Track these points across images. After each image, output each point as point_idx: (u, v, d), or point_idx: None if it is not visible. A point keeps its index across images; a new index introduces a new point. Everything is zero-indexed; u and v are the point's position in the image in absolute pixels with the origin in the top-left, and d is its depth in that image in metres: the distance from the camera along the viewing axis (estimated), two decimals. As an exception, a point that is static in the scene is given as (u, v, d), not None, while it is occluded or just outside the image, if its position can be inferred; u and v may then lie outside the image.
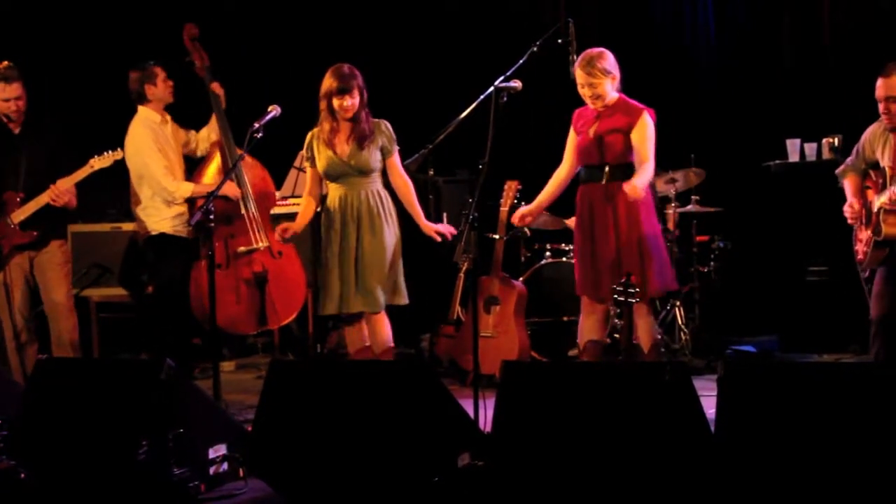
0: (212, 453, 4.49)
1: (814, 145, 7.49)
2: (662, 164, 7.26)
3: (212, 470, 4.47)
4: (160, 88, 6.57)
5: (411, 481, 3.98)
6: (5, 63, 6.18)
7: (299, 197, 7.10)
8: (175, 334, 6.72)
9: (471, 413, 4.59)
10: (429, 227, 5.74)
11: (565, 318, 6.90)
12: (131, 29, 8.42)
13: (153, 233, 6.55)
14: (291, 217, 6.39)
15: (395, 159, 5.72)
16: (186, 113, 6.85)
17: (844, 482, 3.46)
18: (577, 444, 3.80)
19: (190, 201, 6.51)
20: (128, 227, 7.15)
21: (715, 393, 3.69)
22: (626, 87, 7.97)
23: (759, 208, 7.84)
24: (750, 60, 8.28)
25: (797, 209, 7.46)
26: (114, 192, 6.86)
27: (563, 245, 7.12)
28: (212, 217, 5.42)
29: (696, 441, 3.65)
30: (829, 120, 7.34)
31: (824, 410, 3.54)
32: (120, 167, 6.35)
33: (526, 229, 6.79)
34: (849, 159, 5.55)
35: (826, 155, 7.35)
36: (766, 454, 3.57)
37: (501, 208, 6.72)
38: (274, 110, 5.64)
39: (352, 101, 5.54)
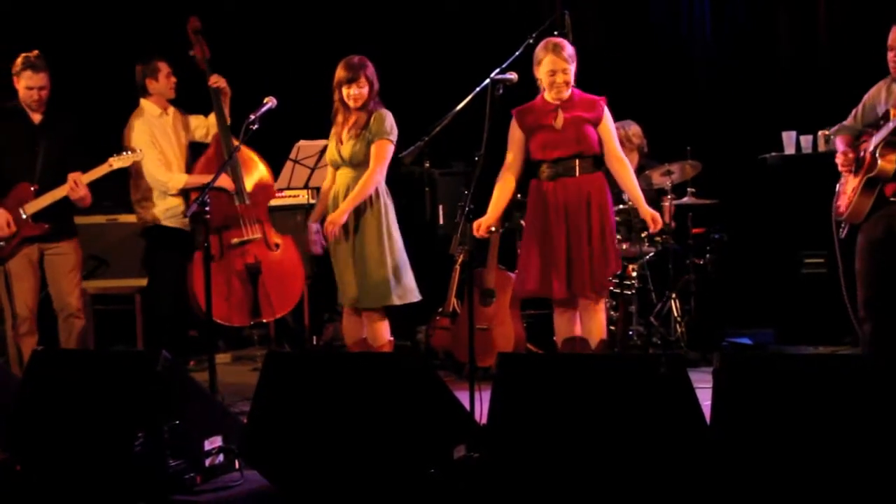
0: (208, 445, 4.48)
1: (809, 137, 7.51)
2: (659, 156, 7.28)
3: (208, 462, 4.46)
4: (161, 83, 6.62)
5: (407, 473, 3.98)
6: (35, 52, 6.21)
7: (295, 189, 7.12)
8: (171, 326, 6.73)
9: (467, 405, 4.59)
10: (335, 216, 5.60)
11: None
12: (148, 24, 8.44)
13: (149, 224, 6.57)
14: (288, 209, 6.43)
15: (376, 147, 5.60)
16: (192, 107, 6.89)
17: (840, 475, 3.47)
18: (572, 437, 3.79)
19: (185, 194, 6.53)
20: (124, 218, 7.16)
21: (711, 385, 3.69)
22: (624, 79, 8.02)
23: (755, 200, 7.84)
24: (746, 53, 8.28)
25: (793, 201, 7.46)
26: (110, 183, 6.83)
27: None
28: (207, 209, 5.42)
29: (692, 433, 3.65)
30: (825, 112, 7.34)
31: (820, 402, 3.55)
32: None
33: (522, 222, 6.79)
34: (844, 122, 5.54)
35: (821, 147, 7.36)
36: (761, 446, 3.57)
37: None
38: (270, 102, 5.64)
39: (359, 91, 5.55)
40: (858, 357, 5.27)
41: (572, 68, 5.44)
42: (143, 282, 7.19)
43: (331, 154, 5.72)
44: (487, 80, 5.29)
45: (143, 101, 6.65)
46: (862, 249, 5.33)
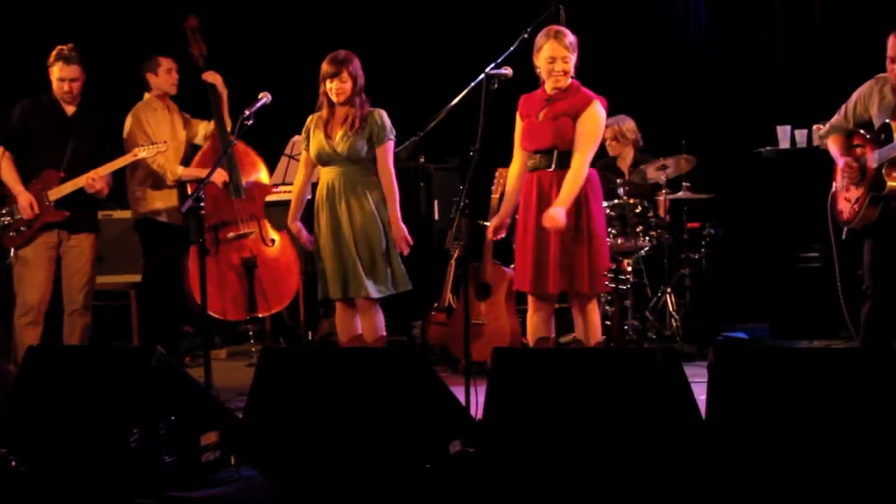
0: (203, 441, 4.48)
1: (804, 132, 7.51)
2: (654, 151, 7.29)
3: (203, 457, 4.46)
4: (161, 78, 6.79)
5: (402, 468, 3.98)
6: (69, 45, 6.32)
7: (290, 184, 7.12)
8: (165, 322, 6.75)
9: (462, 400, 4.60)
10: (397, 230, 5.63)
11: (557, 305, 6.90)
12: (149, 22, 8.44)
13: (140, 216, 6.62)
14: (283, 205, 6.40)
15: (383, 151, 5.62)
16: (192, 105, 6.99)
17: (835, 468, 3.47)
18: (568, 431, 3.80)
19: (180, 188, 6.55)
20: (119, 214, 7.17)
21: (706, 379, 3.69)
22: (619, 74, 8.01)
23: (750, 195, 7.85)
24: (741, 47, 8.28)
25: (788, 196, 7.47)
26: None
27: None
28: (202, 204, 5.43)
29: (687, 427, 3.66)
30: (820, 106, 7.34)
31: (814, 396, 3.55)
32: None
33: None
34: (833, 119, 5.53)
35: (816, 141, 7.33)
36: (756, 440, 3.57)
37: (493, 195, 6.70)
38: (265, 97, 5.64)
39: (341, 85, 5.54)
40: (853, 351, 5.28)
41: (573, 58, 5.30)
42: (138, 277, 7.20)
43: (319, 148, 5.66)
44: (482, 76, 5.28)
45: (145, 96, 6.83)
46: (873, 248, 5.34)
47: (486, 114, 5.15)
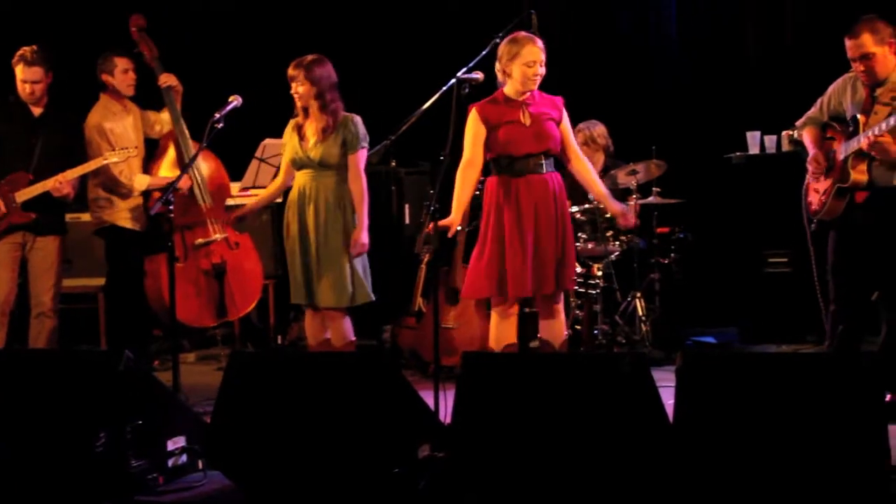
0: (171, 445, 4.47)
1: (773, 138, 7.55)
2: (624, 156, 7.31)
3: (170, 462, 4.45)
4: (117, 79, 6.64)
5: (371, 473, 3.98)
6: (33, 46, 6.26)
7: (260, 188, 7.11)
8: (132, 326, 6.70)
9: (432, 404, 4.59)
10: (358, 234, 5.57)
11: (527, 310, 6.91)
12: (102, 21, 8.37)
13: (104, 225, 6.56)
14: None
15: (355, 158, 5.59)
16: (145, 104, 6.87)
17: (801, 470, 3.50)
18: (536, 435, 3.81)
19: (145, 194, 6.51)
20: (87, 217, 7.11)
21: (675, 383, 3.71)
22: (590, 79, 8.04)
23: (720, 200, 7.88)
24: (711, 53, 8.32)
25: (757, 201, 7.51)
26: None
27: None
28: (171, 209, 5.41)
29: (655, 431, 3.67)
30: (789, 113, 7.38)
31: (780, 400, 3.58)
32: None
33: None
34: (809, 112, 5.58)
35: (785, 147, 7.40)
36: (723, 443, 3.60)
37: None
38: (235, 100, 5.63)
39: (296, 90, 5.54)
40: (818, 355, 5.32)
41: (545, 64, 5.41)
42: (101, 281, 7.15)
43: (293, 153, 5.66)
44: (453, 80, 5.29)
45: (102, 97, 6.67)
46: (834, 246, 5.37)
47: (456, 118, 5.16)
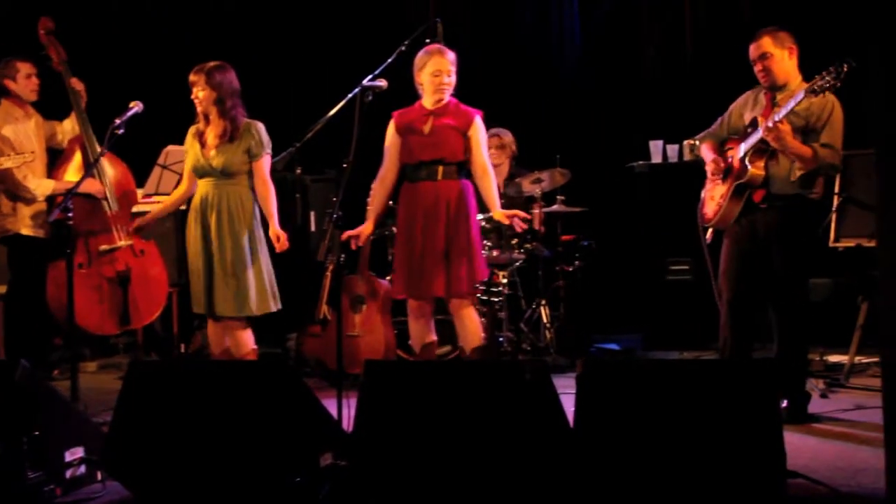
0: (68, 456, 4.39)
1: (675, 147, 7.68)
2: (529, 164, 7.37)
3: (68, 473, 4.37)
4: (20, 84, 6.51)
5: (273, 482, 3.96)
6: None
7: (163, 195, 7.03)
8: (33, 335, 6.58)
9: (335, 413, 4.58)
10: (274, 231, 5.58)
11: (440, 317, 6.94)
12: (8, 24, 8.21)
13: (8, 234, 6.43)
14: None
15: (261, 164, 5.59)
16: (49, 108, 6.73)
17: (698, 474, 3.56)
18: (438, 443, 3.82)
19: (50, 200, 6.39)
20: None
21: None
22: (495, 88, 8.08)
23: (623, 208, 7.99)
24: (615, 63, 8.43)
25: (659, 209, 7.63)
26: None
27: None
28: (70, 215, 5.32)
29: (555, 437, 3.71)
30: (691, 122, 7.51)
31: (677, 406, 3.64)
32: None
33: (394, 227, 6.79)
34: (710, 128, 5.68)
35: (687, 156, 7.54)
36: (622, 448, 3.65)
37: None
38: (136, 106, 5.57)
39: (197, 95, 5.51)
40: (716, 361, 5.40)
41: (454, 74, 5.57)
42: (3, 289, 7.01)
43: (195, 161, 5.62)
44: (358, 88, 5.30)
45: (3, 101, 6.54)
46: (727, 252, 5.46)
47: (359, 125, 5.17)
